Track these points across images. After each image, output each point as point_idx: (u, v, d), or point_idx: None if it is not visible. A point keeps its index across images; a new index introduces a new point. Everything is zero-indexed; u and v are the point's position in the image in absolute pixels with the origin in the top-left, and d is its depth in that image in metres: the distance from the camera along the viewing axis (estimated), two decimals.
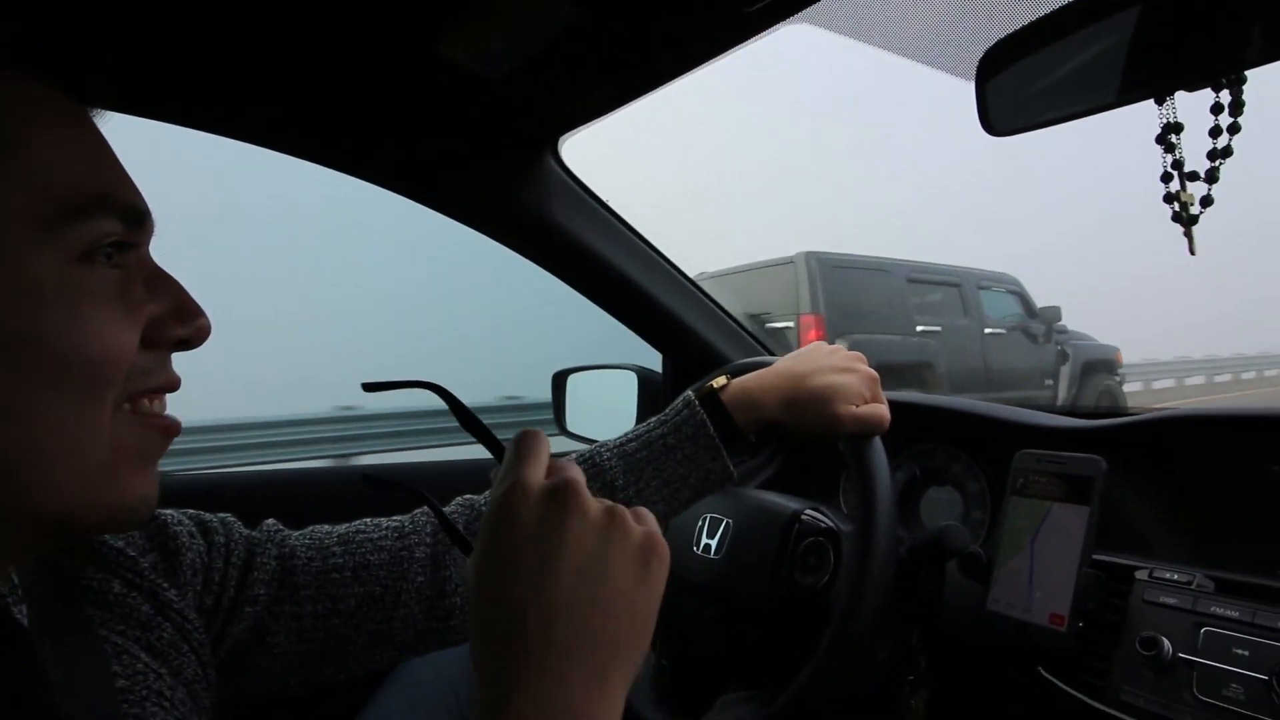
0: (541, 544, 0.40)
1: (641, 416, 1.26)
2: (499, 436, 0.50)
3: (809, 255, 4.92)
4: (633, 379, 1.33)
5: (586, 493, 0.42)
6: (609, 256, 1.10)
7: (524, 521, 0.40)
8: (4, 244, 0.37)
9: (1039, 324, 6.03)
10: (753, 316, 4.98)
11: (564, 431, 1.43)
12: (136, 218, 0.43)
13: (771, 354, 1.24)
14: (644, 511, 0.44)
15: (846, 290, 4.95)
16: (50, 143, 0.40)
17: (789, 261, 4.95)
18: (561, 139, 0.98)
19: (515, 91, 0.82)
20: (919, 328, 5.27)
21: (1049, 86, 0.65)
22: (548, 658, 0.38)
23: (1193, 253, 0.55)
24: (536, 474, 0.42)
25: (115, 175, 0.43)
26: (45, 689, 0.41)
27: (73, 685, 0.43)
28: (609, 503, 0.42)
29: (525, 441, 0.44)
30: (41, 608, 0.46)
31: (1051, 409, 0.98)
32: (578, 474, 0.42)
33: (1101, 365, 6.42)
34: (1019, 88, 0.66)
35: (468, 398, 0.51)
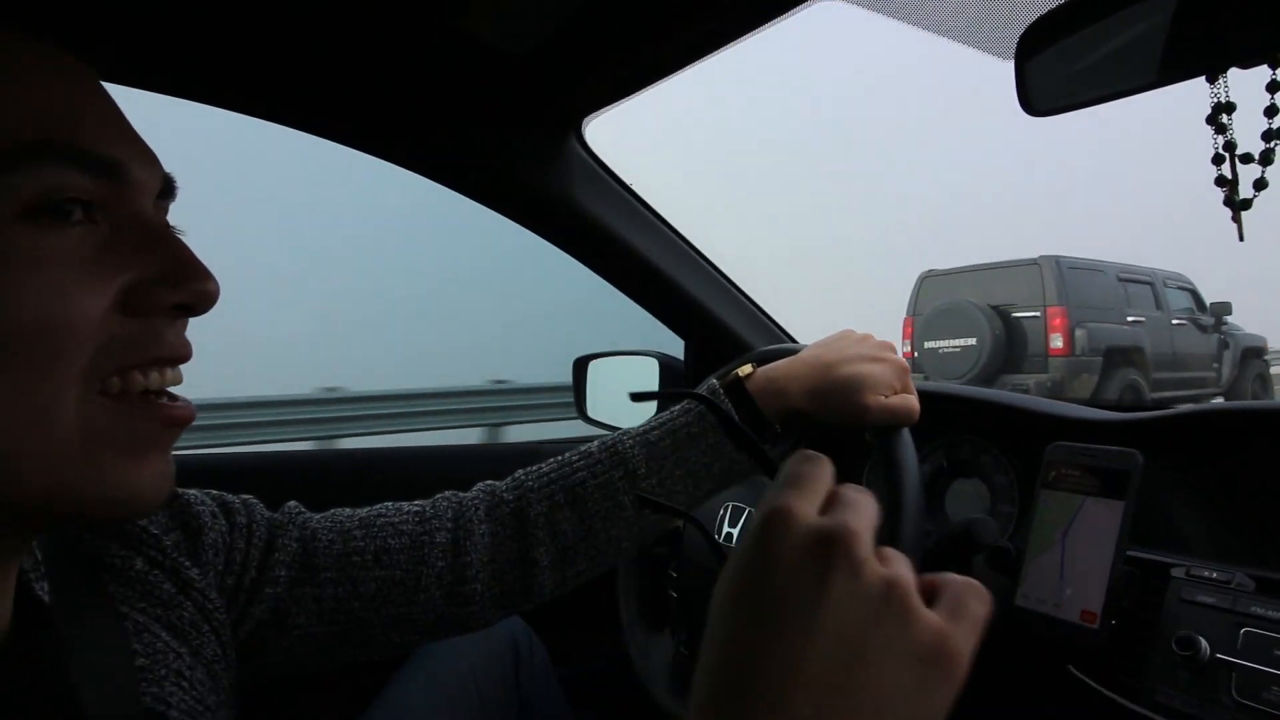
0: (794, 595, 0.30)
1: (663, 404, 1.25)
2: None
3: (1049, 258, 6.04)
4: (654, 365, 1.32)
5: (865, 547, 0.31)
6: (632, 240, 1.09)
7: (779, 561, 0.31)
8: None
9: (1208, 316, 7.20)
10: (994, 307, 6.08)
11: (584, 418, 1.42)
12: (108, 169, 0.38)
13: (793, 341, 1.22)
14: (964, 597, 0.33)
15: (1077, 286, 6.08)
16: None
17: (1032, 262, 6.08)
18: (586, 120, 0.96)
19: (539, 68, 0.80)
20: (1128, 318, 6.41)
21: (1091, 65, 0.62)
22: None
23: (1241, 239, 0.53)
24: (808, 506, 0.32)
25: (77, 120, 0.37)
26: (64, 665, 0.41)
27: (92, 662, 0.43)
28: (892, 572, 0.31)
29: (801, 463, 0.34)
30: (63, 584, 0.46)
31: (1084, 402, 0.95)
32: (861, 519, 0.32)
33: (1255, 352, 7.63)
34: (1060, 66, 0.63)
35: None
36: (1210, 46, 0.53)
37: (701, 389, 0.74)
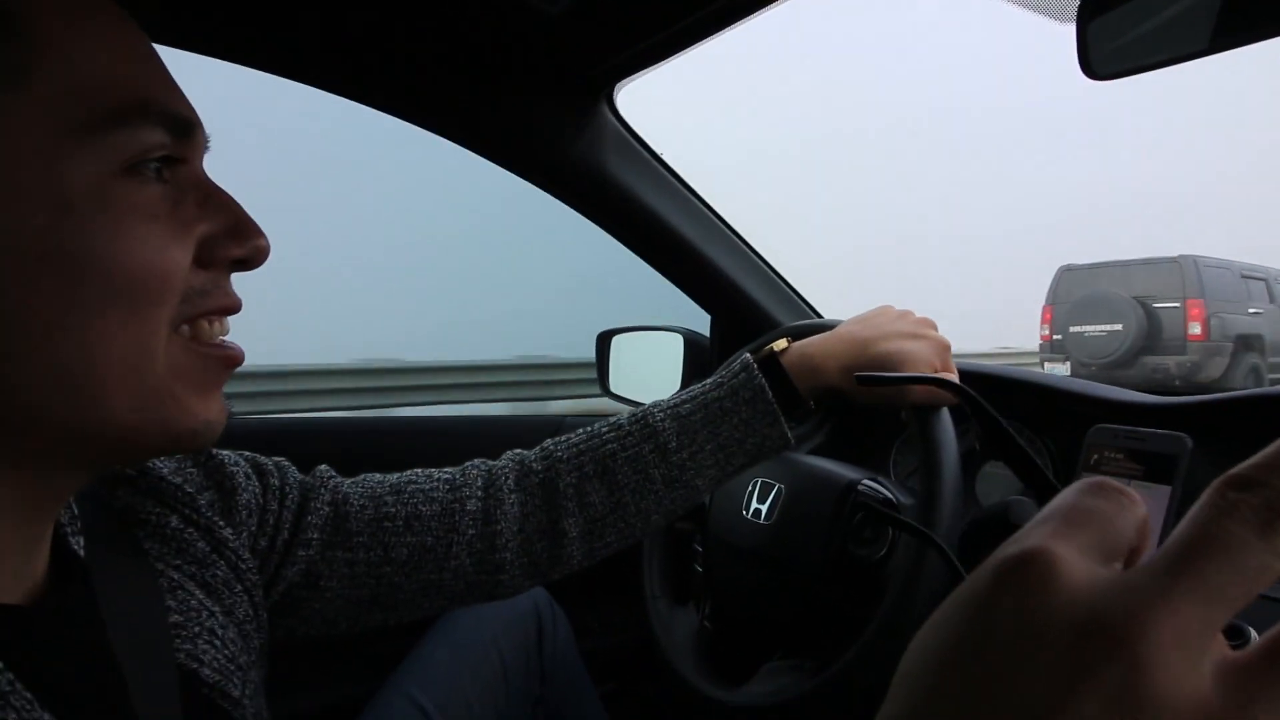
0: (1026, 692, 0.18)
1: (687, 380, 1.23)
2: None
3: (1188, 257, 7.16)
4: (679, 341, 1.30)
5: (1174, 633, 0.18)
6: (661, 212, 1.07)
7: (1020, 639, 0.19)
8: (37, 153, 0.35)
9: None
10: (1136, 297, 7.08)
11: (607, 392, 1.41)
12: (185, 129, 0.41)
13: (820, 317, 1.20)
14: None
15: (1211, 282, 7.14)
16: (87, 42, 0.37)
17: (1171, 261, 7.19)
18: (618, 86, 0.94)
19: (572, 28, 0.78)
20: (1249, 309, 7.42)
21: (1153, 27, 0.59)
22: None
23: None
24: (1086, 561, 0.20)
25: (161, 82, 0.40)
26: (98, 619, 0.41)
27: (127, 617, 0.43)
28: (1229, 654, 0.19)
29: (1089, 493, 0.21)
30: (98, 539, 0.45)
31: (1137, 387, 0.93)
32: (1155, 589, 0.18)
33: None
34: (1122, 28, 0.61)
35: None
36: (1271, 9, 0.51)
37: (734, 362, 0.73)
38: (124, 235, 0.37)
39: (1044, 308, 7.75)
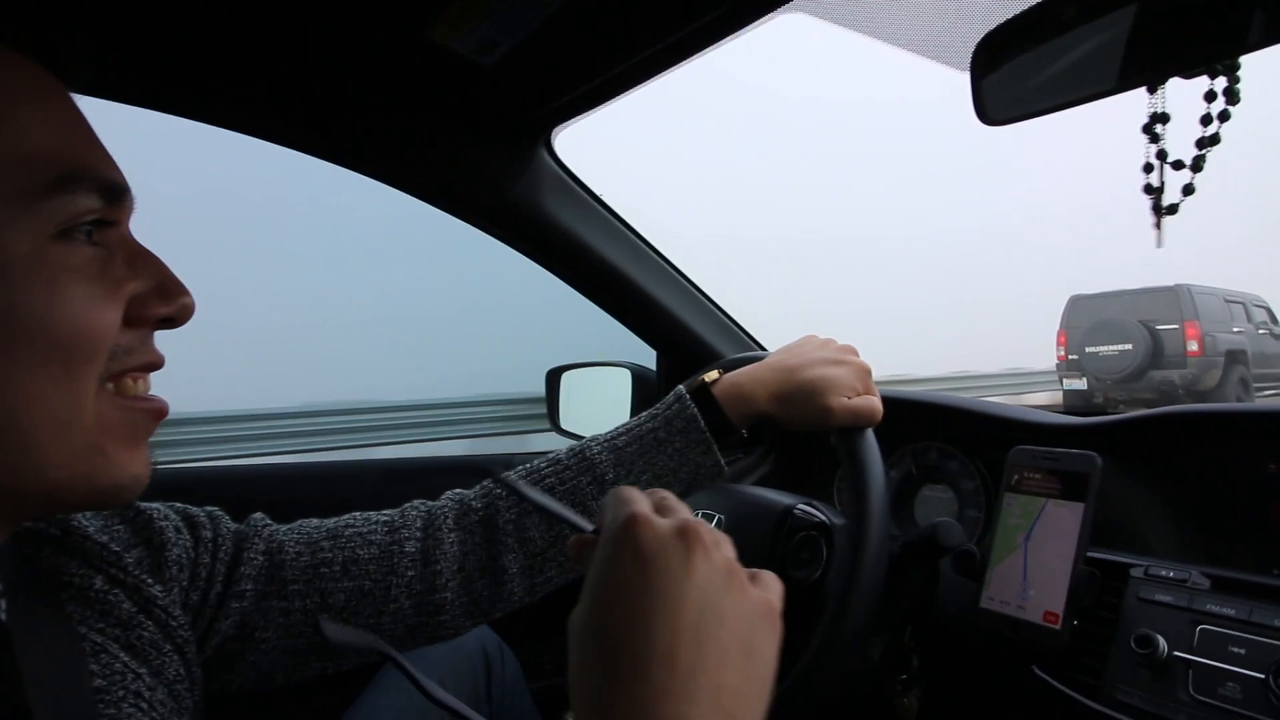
0: (669, 573, 0.37)
1: (635, 414, 1.25)
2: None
3: (1183, 286, 8.31)
4: (627, 376, 1.32)
5: (710, 536, 0.39)
6: (602, 251, 1.10)
7: (649, 551, 0.37)
8: None
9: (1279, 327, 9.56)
10: (1141, 321, 8.26)
11: (557, 429, 1.42)
12: (116, 194, 0.42)
13: (763, 349, 1.23)
14: (765, 577, 0.41)
15: (1203, 306, 8.34)
16: (28, 116, 0.40)
17: (1169, 289, 8.35)
18: (555, 130, 0.97)
19: (507, 79, 0.81)
20: (1234, 329, 8.61)
21: (1046, 75, 0.64)
22: (672, 689, 0.34)
23: (1159, 245, 0.55)
24: (652, 511, 0.40)
25: (93, 150, 0.43)
26: (18, 685, 0.40)
27: (48, 683, 0.42)
28: (730, 556, 0.40)
29: (625, 490, 0.42)
30: (20, 602, 0.45)
31: (1053, 409, 0.98)
32: (693, 515, 0.41)
33: None
34: (1015, 77, 0.65)
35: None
36: (1158, 56, 0.55)
37: (670, 396, 0.75)
38: (58, 296, 0.39)
39: (1058, 332, 8.95)
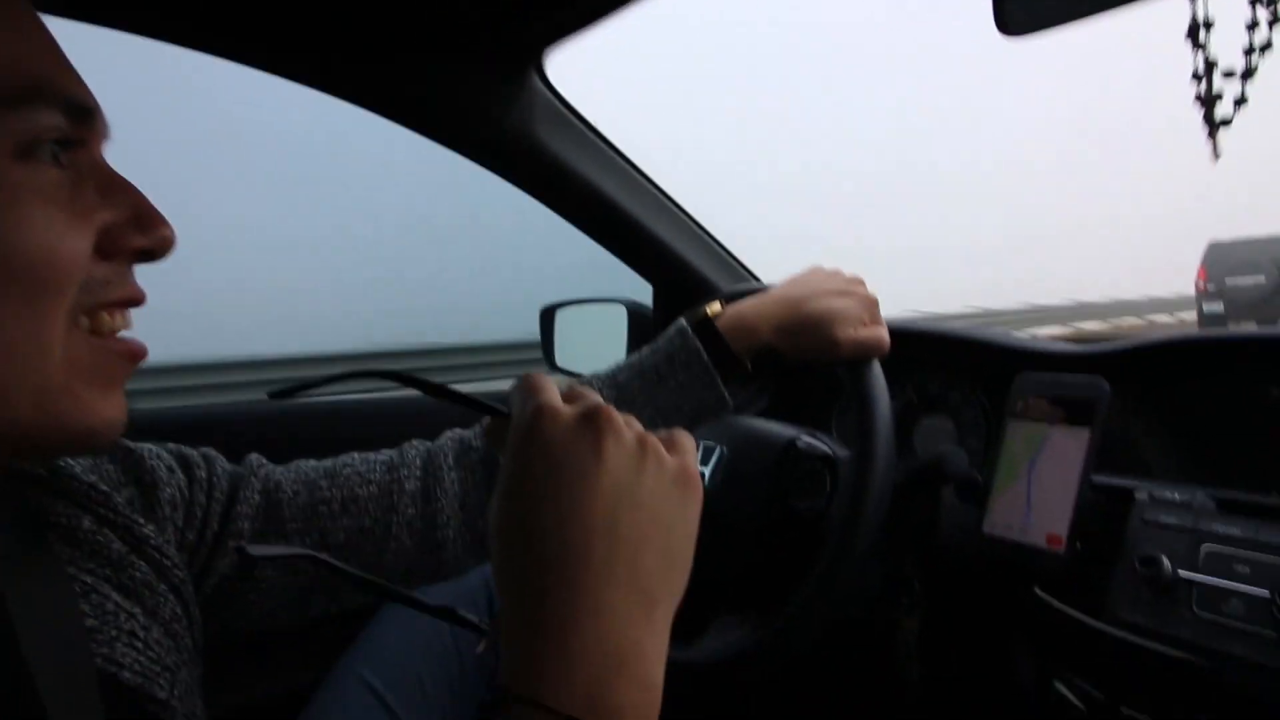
0: (577, 463, 0.37)
1: (632, 350, 1.23)
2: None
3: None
4: (622, 312, 1.30)
5: (619, 418, 0.39)
6: (597, 182, 1.06)
7: (556, 443, 0.37)
8: None
9: None
10: (1272, 259, 9.60)
11: (553, 367, 1.40)
12: (82, 113, 0.40)
13: (760, 281, 1.21)
14: (679, 440, 0.41)
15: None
16: None
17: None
18: (547, 53, 0.92)
19: None
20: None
21: None
22: (589, 580, 0.35)
23: (1217, 156, 0.52)
24: (559, 400, 0.40)
25: (56, 65, 0.39)
26: (8, 628, 0.39)
27: (38, 624, 0.41)
28: (640, 429, 0.40)
29: (534, 378, 0.41)
30: (6, 545, 0.43)
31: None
32: (602, 400, 0.40)
33: None
34: None
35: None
36: None
37: (671, 329, 0.73)
38: (18, 220, 0.36)
39: (1199, 268, 10.45)
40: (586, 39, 0.91)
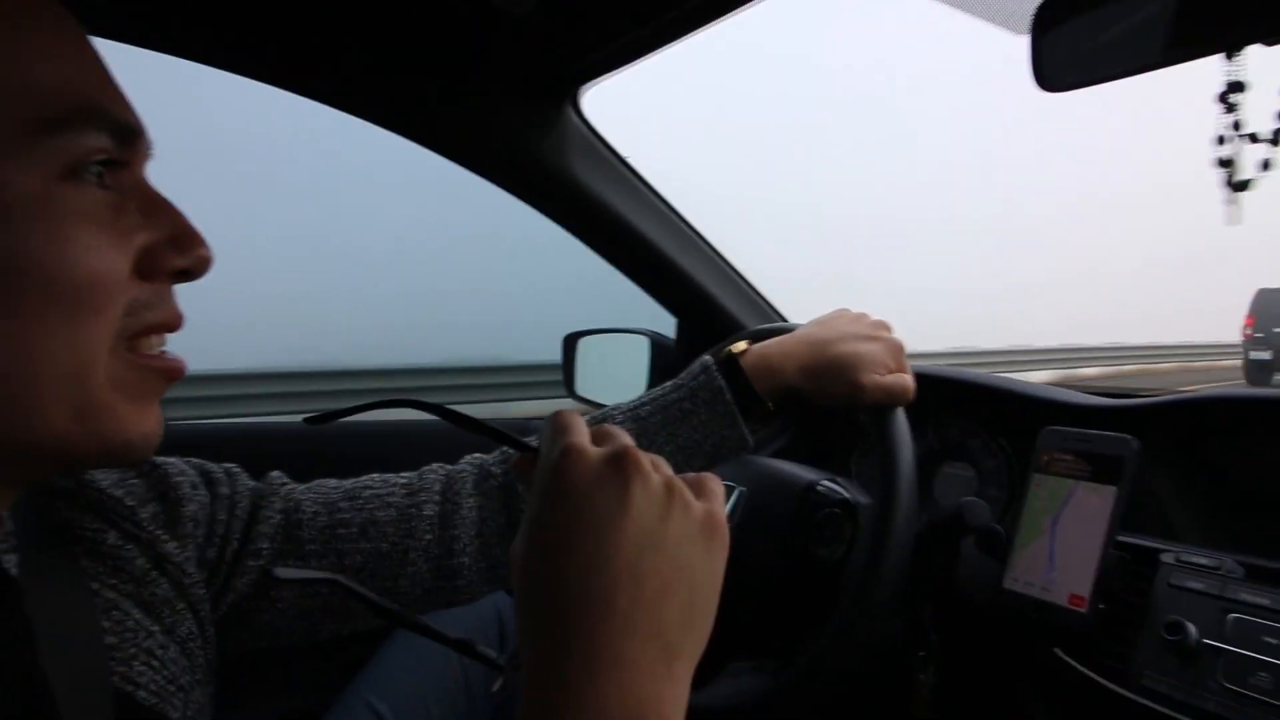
0: (602, 509, 0.36)
1: (653, 382, 1.24)
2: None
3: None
4: (645, 344, 1.30)
5: (647, 461, 0.38)
6: (627, 215, 1.07)
7: (582, 487, 0.37)
8: None
9: None
10: None
11: (573, 394, 1.41)
12: (128, 135, 0.40)
13: (786, 321, 1.21)
14: (708, 485, 0.41)
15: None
16: (39, 48, 0.37)
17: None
18: (583, 89, 0.94)
19: (538, 30, 0.78)
20: None
21: (1108, 40, 0.61)
22: (610, 632, 0.34)
23: (1238, 222, 0.52)
24: (588, 442, 0.39)
25: (105, 87, 0.40)
26: (29, 642, 0.40)
27: (60, 639, 0.41)
28: (668, 473, 0.39)
29: (564, 416, 0.41)
30: (33, 557, 0.44)
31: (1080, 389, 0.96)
32: (631, 441, 0.40)
33: None
34: (1076, 41, 0.62)
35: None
36: (1231, 23, 0.52)
37: (696, 365, 0.73)
38: (64, 240, 0.36)
39: (1246, 316, 11.07)
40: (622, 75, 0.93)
